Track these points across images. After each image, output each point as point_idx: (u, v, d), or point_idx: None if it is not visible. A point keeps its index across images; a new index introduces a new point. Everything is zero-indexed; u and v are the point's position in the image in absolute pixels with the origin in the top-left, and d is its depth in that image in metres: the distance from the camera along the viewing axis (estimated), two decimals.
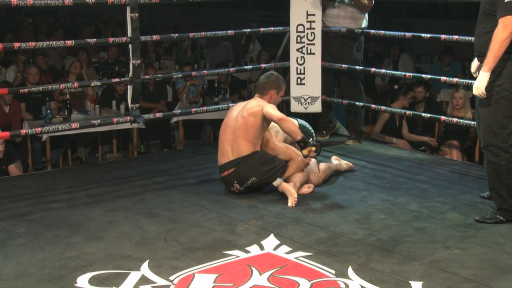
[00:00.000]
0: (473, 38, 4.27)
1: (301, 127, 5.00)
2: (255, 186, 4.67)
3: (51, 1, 4.80)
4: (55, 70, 9.15)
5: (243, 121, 4.62)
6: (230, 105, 5.14)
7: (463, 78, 6.50)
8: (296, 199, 4.47)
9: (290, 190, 4.53)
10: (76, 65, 8.44)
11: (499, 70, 3.95)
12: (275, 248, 3.75)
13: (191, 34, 5.91)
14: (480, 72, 3.97)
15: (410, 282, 3.31)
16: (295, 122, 4.92)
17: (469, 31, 4.69)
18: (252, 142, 4.61)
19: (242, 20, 13.57)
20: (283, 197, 4.60)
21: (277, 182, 4.66)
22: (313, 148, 4.61)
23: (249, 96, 7.54)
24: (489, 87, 3.96)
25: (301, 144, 4.61)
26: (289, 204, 4.45)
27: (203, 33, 5.88)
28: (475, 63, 4.19)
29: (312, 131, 5.10)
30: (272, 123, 4.73)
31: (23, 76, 8.29)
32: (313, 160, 4.86)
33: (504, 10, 3.85)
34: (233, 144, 4.64)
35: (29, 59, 9.48)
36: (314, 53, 6.07)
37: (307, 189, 4.73)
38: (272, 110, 4.59)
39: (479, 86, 3.96)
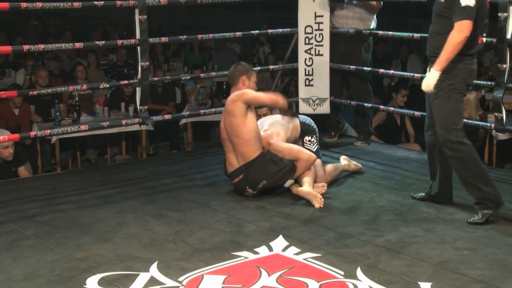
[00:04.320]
0: None
1: (303, 124, 5.00)
2: (268, 189, 4.66)
3: (60, 3, 4.83)
4: (66, 73, 9.17)
5: (231, 126, 4.59)
6: None
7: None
8: (322, 199, 4.44)
9: (312, 192, 4.49)
10: (80, 69, 8.35)
11: (452, 70, 4.05)
12: (284, 249, 3.75)
13: (199, 36, 5.92)
14: (431, 70, 4.08)
15: (419, 283, 3.30)
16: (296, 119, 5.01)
17: None
18: (253, 144, 4.57)
19: (251, 22, 13.57)
20: (292, 198, 4.60)
21: (288, 183, 4.66)
22: None
23: None
24: (441, 86, 4.08)
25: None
26: (316, 206, 4.39)
27: (211, 34, 5.89)
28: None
29: (315, 127, 5.08)
30: (264, 124, 4.78)
31: (31, 79, 8.32)
32: (318, 161, 4.85)
33: (460, 14, 3.95)
34: (236, 153, 4.62)
35: (38, 62, 9.51)
36: (322, 54, 6.07)
37: (321, 189, 4.69)
38: (253, 97, 4.62)
39: (429, 83, 4.07)
